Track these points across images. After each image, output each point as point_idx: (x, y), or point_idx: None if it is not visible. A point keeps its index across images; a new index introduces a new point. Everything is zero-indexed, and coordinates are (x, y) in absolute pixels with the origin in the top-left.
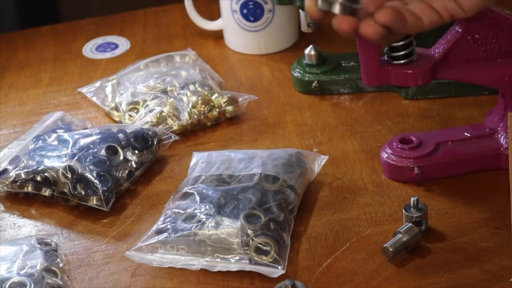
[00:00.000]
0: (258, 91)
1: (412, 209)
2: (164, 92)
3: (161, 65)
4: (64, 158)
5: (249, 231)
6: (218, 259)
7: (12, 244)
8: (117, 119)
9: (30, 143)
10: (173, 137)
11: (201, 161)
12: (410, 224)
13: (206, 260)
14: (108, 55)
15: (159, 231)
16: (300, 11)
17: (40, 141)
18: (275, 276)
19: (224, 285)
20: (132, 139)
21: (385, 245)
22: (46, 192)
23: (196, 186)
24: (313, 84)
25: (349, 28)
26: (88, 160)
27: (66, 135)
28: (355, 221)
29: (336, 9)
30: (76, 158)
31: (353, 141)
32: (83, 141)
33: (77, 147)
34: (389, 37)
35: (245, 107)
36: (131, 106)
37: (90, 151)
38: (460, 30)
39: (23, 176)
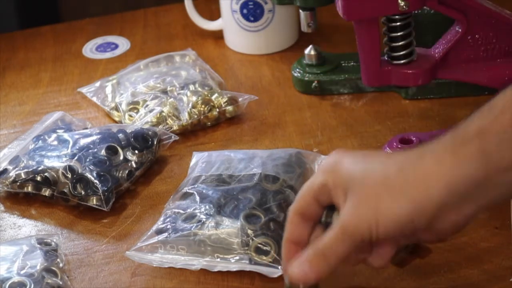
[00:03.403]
0: (258, 91)
1: None
2: (164, 92)
3: (161, 65)
4: (64, 158)
5: (249, 231)
6: (218, 259)
7: (12, 244)
8: (117, 119)
9: (30, 143)
10: (173, 137)
11: (201, 161)
12: None
13: (206, 260)
14: (108, 55)
15: (159, 231)
16: (300, 11)
17: (40, 141)
18: (275, 276)
19: (224, 285)
20: (132, 139)
21: None
22: (46, 192)
23: (196, 186)
24: (313, 84)
25: None
26: (88, 160)
27: (66, 135)
28: None
29: None
30: (76, 158)
31: (353, 141)
32: (83, 141)
33: (77, 147)
34: None
35: (245, 107)
36: (131, 106)
37: (90, 151)
38: (460, 30)
39: (23, 176)
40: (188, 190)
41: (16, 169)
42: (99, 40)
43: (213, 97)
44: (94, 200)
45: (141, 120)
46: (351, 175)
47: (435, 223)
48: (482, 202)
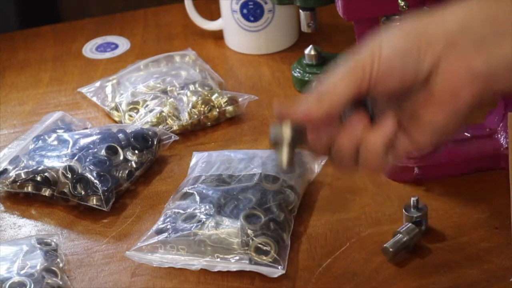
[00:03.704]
0: (258, 91)
1: (412, 209)
2: (164, 92)
3: (161, 65)
4: (64, 158)
5: (249, 231)
6: (218, 259)
7: (12, 244)
8: (117, 119)
9: (30, 143)
10: (173, 137)
11: (201, 161)
12: (410, 224)
13: (206, 260)
14: (108, 55)
15: (159, 231)
16: (300, 11)
17: (40, 141)
18: (275, 276)
19: (224, 285)
20: (132, 139)
21: (385, 245)
22: (46, 192)
23: (196, 186)
24: (313, 84)
25: None
26: (88, 160)
27: (66, 135)
28: (355, 221)
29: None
30: (76, 158)
31: None
32: (83, 141)
33: (77, 147)
34: None
35: (245, 107)
36: (131, 106)
37: (90, 151)
38: None
39: (23, 176)
40: (188, 190)
41: (16, 169)
42: (99, 40)
43: (213, 97)
44: (94, 200)
45: (141, 120)
46: None
47: (437, 72)
48: (489, 58)
